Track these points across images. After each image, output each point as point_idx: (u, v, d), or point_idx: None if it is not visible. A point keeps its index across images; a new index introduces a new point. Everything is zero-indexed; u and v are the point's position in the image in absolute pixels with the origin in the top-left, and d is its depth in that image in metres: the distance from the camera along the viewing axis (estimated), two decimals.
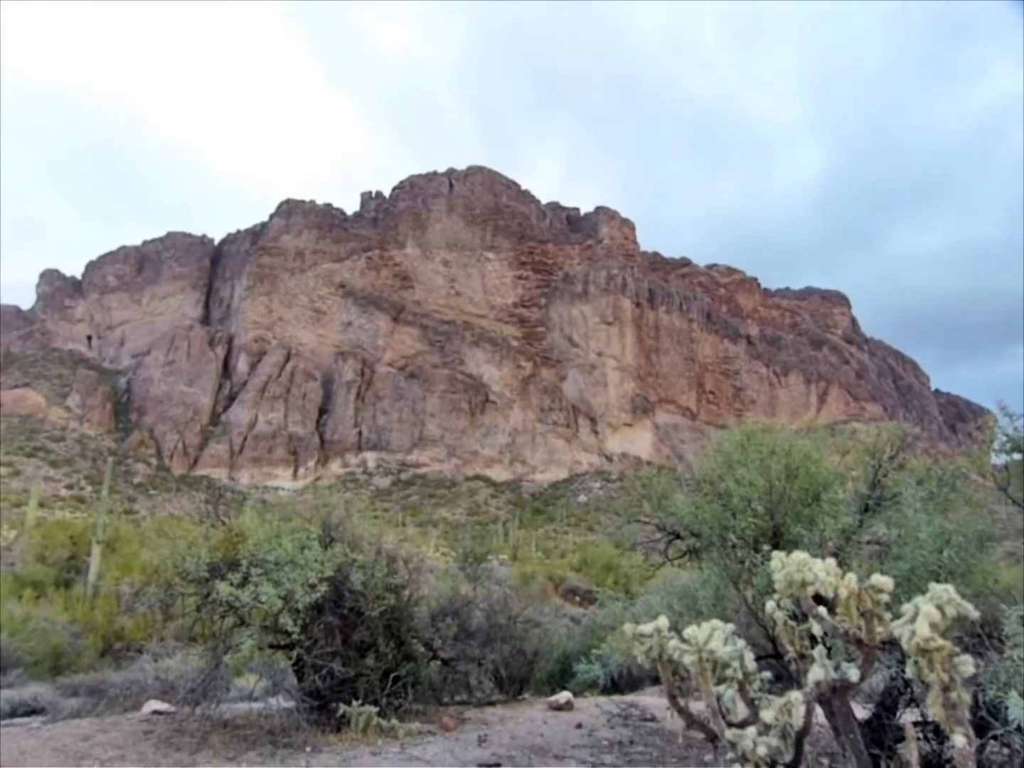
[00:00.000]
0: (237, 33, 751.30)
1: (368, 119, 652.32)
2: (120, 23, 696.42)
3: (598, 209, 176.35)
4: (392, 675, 10.22)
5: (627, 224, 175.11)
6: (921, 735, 5.48)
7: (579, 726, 10.42)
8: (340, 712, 9.14)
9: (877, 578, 3.71)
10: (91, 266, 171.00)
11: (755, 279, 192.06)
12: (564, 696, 12.04)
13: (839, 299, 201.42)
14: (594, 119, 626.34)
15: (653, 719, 10.90)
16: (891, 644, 3.84)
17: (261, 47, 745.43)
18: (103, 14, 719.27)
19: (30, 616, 16.28)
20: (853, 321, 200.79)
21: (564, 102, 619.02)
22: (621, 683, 13.13)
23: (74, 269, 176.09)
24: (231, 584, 8.70)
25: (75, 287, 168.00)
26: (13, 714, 11.57)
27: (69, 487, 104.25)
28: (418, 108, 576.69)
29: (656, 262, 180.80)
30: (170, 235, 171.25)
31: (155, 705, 10.91)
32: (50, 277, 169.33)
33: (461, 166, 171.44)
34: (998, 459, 7.26)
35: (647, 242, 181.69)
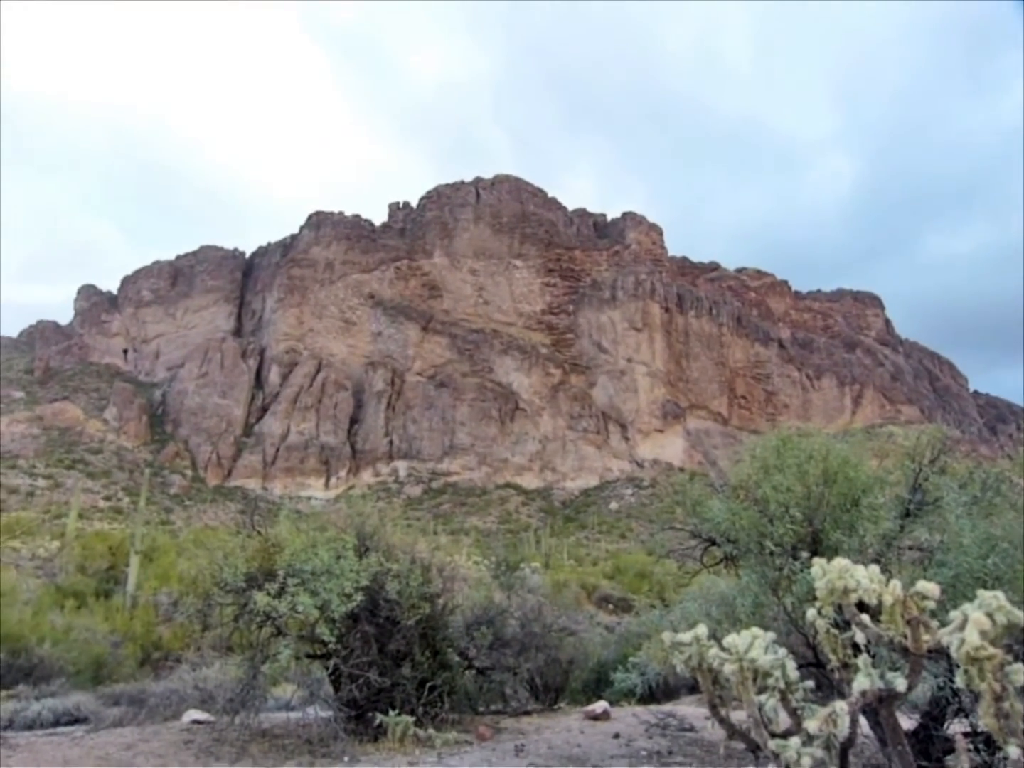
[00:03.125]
0: (271, 52, 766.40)
1: (402, 138, 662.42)
2: (154, 41, 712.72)
3: (625, 215, 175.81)
4: (428, 684, 10.23)
5: (654, 229, 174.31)
6: (972, 746, 5.33)
7: (616, 736, 10.32)
8: (377, 722, 9.17)
9: (923, 584, 3.63)
10: (126, 281, 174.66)
11: (785, 282, 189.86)
12: (600, 705, 11.94)
13: (872, 300, 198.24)
14: (626, 136, 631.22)
15: (692, 729, 10.76)
16: (938, 653, 3.75)
17: (294, 66, 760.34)
18: (137, 33, 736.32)
19: (72, 626, 16.61)
20: (887, 323, 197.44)
21: (596, 120, 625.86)
22: (658, 692, 12.99)
23: (110, 284, 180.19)
24: (268, 594, 8.78)
25: (111, 302, 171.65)
26: (57, 723, 11.78)
27: (107, 498, 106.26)
28: (451, 127, 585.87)
29: (684, 267, 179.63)
30: (202, 249, 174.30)
31: (195, 714, 11.05)
32: (87, 292, 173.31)
33: (488, 175, 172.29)
34: None
35: (676, 251, 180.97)
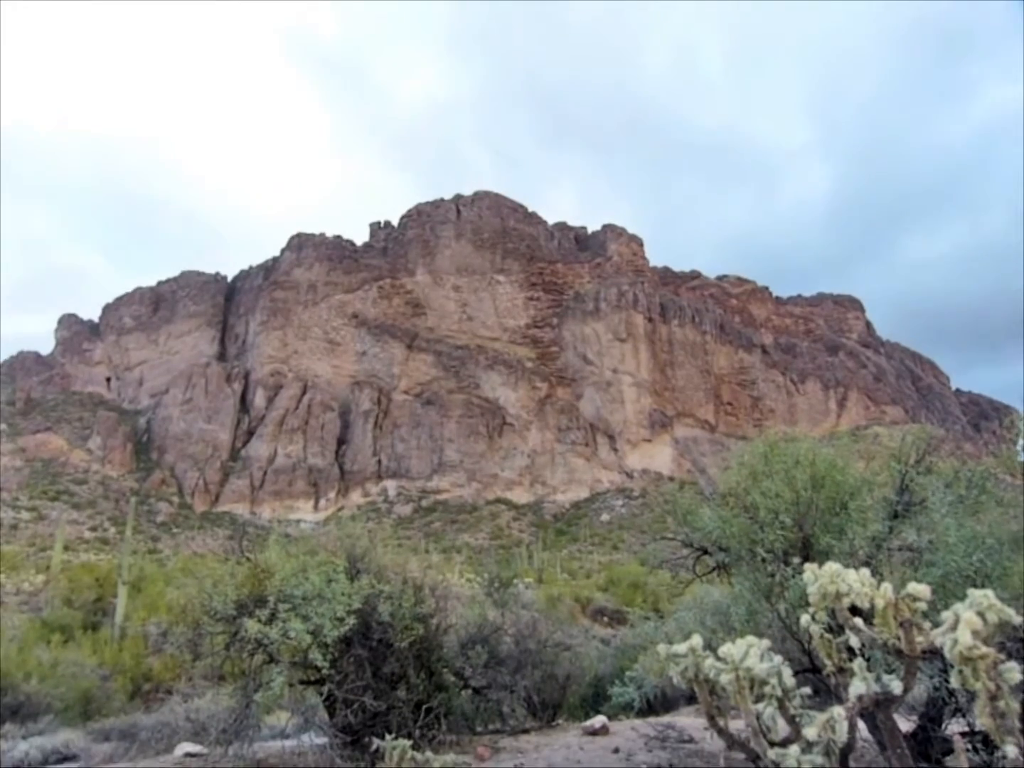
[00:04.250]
0: (251, 75, 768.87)
1: (384, 160, 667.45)
2: (137, 65, 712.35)
3: (605, 227, 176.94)
4: (424, 706, 10.12)
5: (635, 240, 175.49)
6: (970, 746, 5.33)
7: (616, 751, 10.25)
8: (373, 747, 9.04)
9: (914, 586, 3.64)
10: (107, 308, 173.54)
11: (766, 288, 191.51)
12: (599, 720, 11.86)
13: (852, 303, 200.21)
14: (606, 151, 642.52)
15: (691, 740, 10.70)
16: (932, 653, 3.75)
17: (274, 91, 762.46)
18: (119, 57, 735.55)
19: (58, 661, 16.33)
20: (868, 325, 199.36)
21: (576, 136, 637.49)
22: (656, 704, 12.92)
23: (92, 313, 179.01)
24: (259, 621, 8.67)
25: (93, 330, 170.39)
26: (45, 762, 11.54)
27: (93, 529, 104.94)
28: (433, 147, 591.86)
29: (666, 276, 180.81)
30: (184, 274, 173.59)
31: (187, 747, 10.86)
32: (68, 322, 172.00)
33: (468, 193, 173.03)
34: None
35: (658, 262, 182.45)
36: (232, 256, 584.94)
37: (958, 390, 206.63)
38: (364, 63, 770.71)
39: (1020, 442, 7.19)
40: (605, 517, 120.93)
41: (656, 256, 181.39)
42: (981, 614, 3.29)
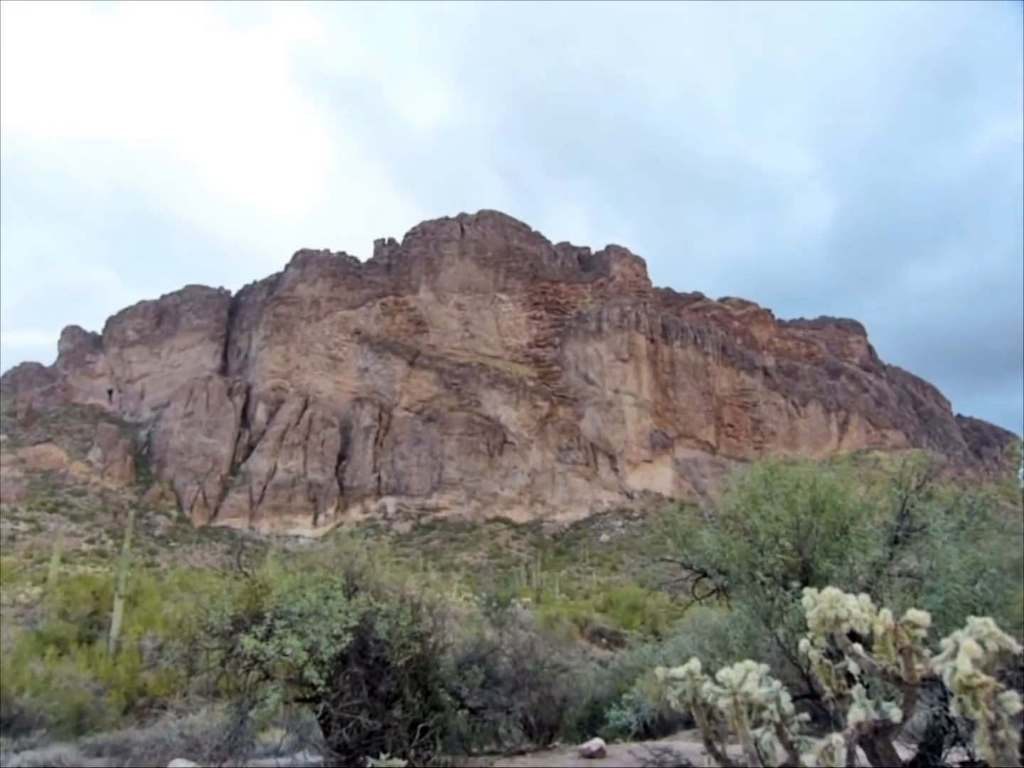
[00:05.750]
0: (259, 91, 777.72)
1: (395, 182, 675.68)
2: (141, 77, 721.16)
3: (608, 247, 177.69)
4: (420, 726, 10.04)
5: (638, 261, 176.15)
6: None
7: None
8: (368, 766, 8.97)
9: (913, 613, 3.62)
10: (111, 321, 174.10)
11: (768, 310, 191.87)
12: (596, 743, 11.75)
13: (854, 327, 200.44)
14: (614, 179, 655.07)
15: (689, 765, 10.59)
16: (932, 681, 3.73)
17: (283, 108, 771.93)
18: (123, 71, 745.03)
19: (52, 674, 16.20)
20: (870, 349, 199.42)
21: (585, 165, 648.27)
22: (653, 728, 12.80)
23: (96, 326, 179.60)
24: (255, 637, 8.63)
25: (96, 342, 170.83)
26: None
27: (90, 541, 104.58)
28: (443, 172, 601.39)
29: (669, 297, 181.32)
30: (188, 288, 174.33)
31: (180, 764, 10.76)
32: (71, 333, 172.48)
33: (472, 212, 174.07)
34: None
35: (661, 284, 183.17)
36: (237, 271, 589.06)
37: (959, 416, 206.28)
38: (376, 88, 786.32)
39: (1021, 469, 7.18)
40: (605, 537, 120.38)
41: (659, 279, 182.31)
42: (981, 642, 3.27)
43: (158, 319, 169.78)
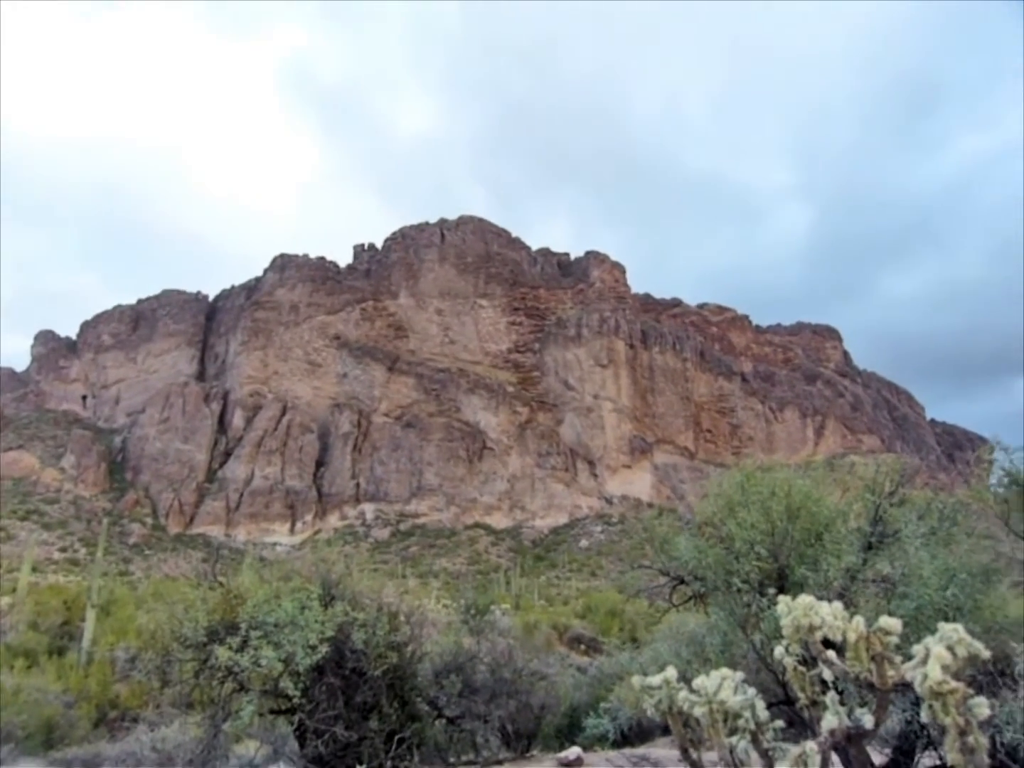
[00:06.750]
0: (241, 97, 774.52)
1: (379, 191, 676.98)
2: (121, 82, 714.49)
3: (588, 254, 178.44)
4: (397, 737, 9.95)
5: (617, 267, 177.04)
6: None
7: None
8: None
9: (885, 620, 3.65)
10: (86, 326, 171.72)
11: (746, 316, 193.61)
12: (574, 752, 11.72)
13: (830, 333, 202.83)
14: (596, 191, 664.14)
15: None
16: (904, 687, 3.76)
17: (265, 113, 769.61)
18: (103, 70, 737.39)
19: (21, 687, 15.87)
20: (845, 354, 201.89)
21: (568, 176, 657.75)
22: (631, 735, 12.79)
23: (70, 331, 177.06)
24: (230, 648, 8.52)
25: (70, 347, 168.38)
26: None
27: (63, 550, 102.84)
28: (427, 180, 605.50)
29: (648, 303, 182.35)
30: (165, 293, 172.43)
31: None
32: (44, 338, 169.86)
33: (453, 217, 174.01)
34: (997, 489, 7.22)
35: (640, 290, 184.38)
36: (215, 276, 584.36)
37: (933, 420, 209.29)
38: (361, 96, 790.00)
39: (993, 475, 7.28)
40: (584, 543, 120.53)
41: (639, 285, 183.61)
42: (951, 648, 3.30)
43: (135, 324, 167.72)
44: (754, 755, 4.05)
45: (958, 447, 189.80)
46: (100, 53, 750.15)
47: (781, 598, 3.98)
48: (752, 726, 4.04)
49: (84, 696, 16.94)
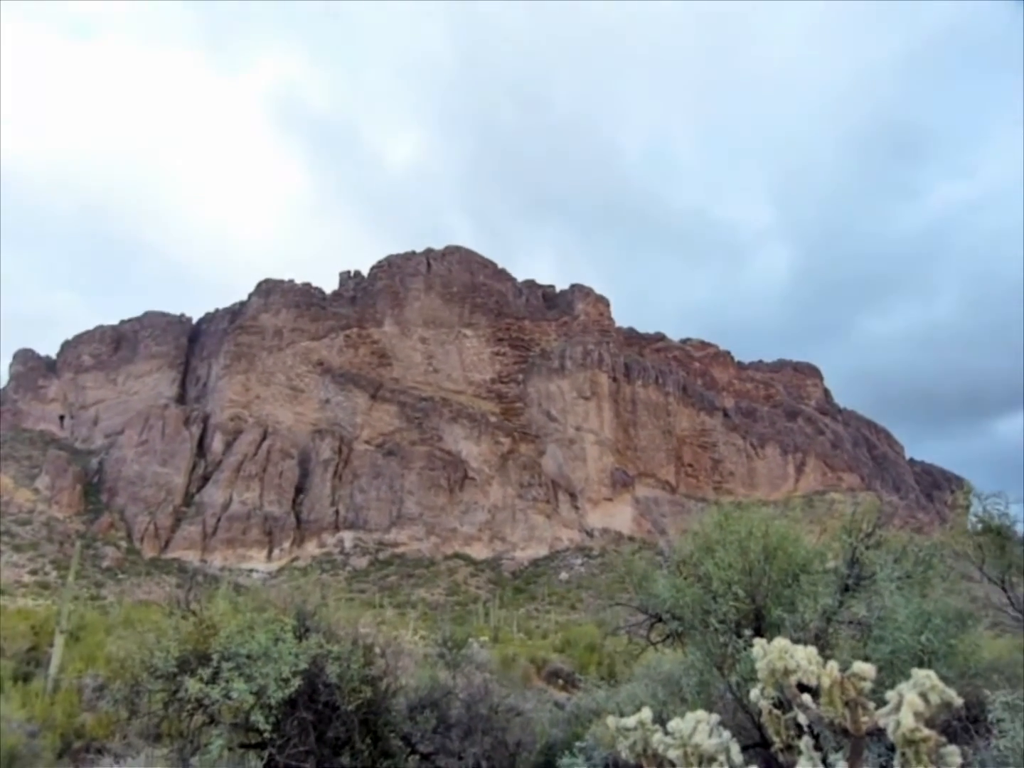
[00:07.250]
0: (230, 124, 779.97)
1: (366, 222, 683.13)
2: (108, 104, 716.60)
3: (573, 286, 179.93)
4: None
5: (602, 300, 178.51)
6: None
7: None
8: None
9: (859, 666, 3.66)
10: (66, 346, 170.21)
11: (728, 352, 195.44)
12: None
13: (811, 370, 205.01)
14: (582, 226, 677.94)
15: None
16: (879, 733, 3.76)
17: (253, 140, 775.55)
18: (88, 92, 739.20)
19: None
20: (826, 392, 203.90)
21: (555, 211, 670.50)
22: None
23: (49, 350, 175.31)
24: (201, 680, 8.37)
25: (49, 367, 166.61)
26: None
27: (33, 572, 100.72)
28: (412, 210, 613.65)
29: (631, 337, 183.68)
30: (148, 315, 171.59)
31: None
32: (23, 357, 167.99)
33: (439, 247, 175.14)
34: (973, 533, 7.30)
35: (624, 324, 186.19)
36: (199, 300, 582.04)
37: (912, 459, 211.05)
38: (351, 126, 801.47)
39: (970, 516, 7.36)
40: (564, 576, 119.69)
41: (623, 319, 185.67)
42: (924, 695, 3.31)
43: (116, 345, 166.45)
44: None
45: (936, 487, 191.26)
46: (87, 74, 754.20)
47: (757, 641, 4.00)
48: None
49: (49, 725, 16.48)
